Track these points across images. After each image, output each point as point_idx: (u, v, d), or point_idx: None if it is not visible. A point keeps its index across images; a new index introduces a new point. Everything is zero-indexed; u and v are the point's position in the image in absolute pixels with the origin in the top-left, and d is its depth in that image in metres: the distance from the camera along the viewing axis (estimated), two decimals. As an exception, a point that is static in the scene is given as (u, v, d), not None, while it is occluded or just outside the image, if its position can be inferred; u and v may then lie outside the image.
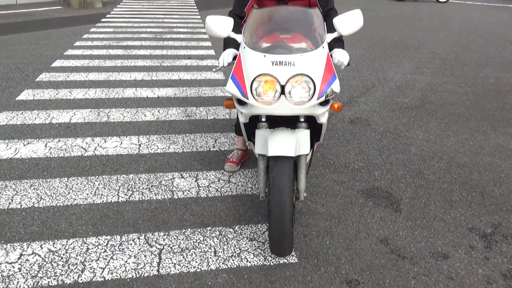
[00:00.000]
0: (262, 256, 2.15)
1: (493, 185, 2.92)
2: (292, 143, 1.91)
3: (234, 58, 2.32)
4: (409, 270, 2.09)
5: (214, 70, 2.23)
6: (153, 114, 3.94)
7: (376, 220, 2.48)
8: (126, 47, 6.59)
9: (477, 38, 8.33)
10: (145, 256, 2.12)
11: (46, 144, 3.28)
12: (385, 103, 4.48)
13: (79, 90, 4.53)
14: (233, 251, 2.17)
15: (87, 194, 2.63)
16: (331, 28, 2.18)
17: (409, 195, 2.76)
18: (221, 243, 2.23)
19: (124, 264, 2.05)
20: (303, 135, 1.99)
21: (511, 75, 5.71)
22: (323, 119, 2.05)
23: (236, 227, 2.37)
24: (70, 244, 2.18)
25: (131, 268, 2.03)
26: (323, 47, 1.99)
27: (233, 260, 2.11)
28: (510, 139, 3.68)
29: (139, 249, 2.16)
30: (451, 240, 2.33)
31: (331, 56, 2.20)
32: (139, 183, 2.78)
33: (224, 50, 2.44)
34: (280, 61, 1.87)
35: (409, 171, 3.07)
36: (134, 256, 2.11)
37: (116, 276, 1.98)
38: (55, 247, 2.15)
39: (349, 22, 2.05)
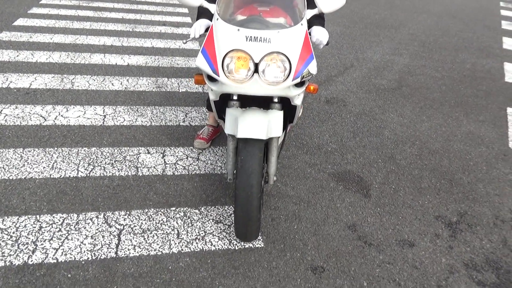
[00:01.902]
0: (227, 239, 2.08)
1: (462, 172, 2.93)
2: (263, 125, 1.81)
3: (207, 29, 2.17)
4: (374, 257, 2.07)
5: (184, 41, 2.07)
6: (121, 83, 3.73)
7: (346, 205, 2.45)
8: (97, 8, 6.20)
9: (456, 22, 8.33)
10: (103, 236, 2.00)
11: (1, 110, 3.05)
12: (363, 84, 4.42)
13: (42, 53, 4.22)
14: (197, 234, 2.09)
15: (44, 167, 2.46)
16: (311, 4, 2.04)
17: (379, 180, 2.74)
18: (185, 224, 2.14)
19: (80, 245, 1.94)
20: (276, 116, 1.89)
21: (487, 62, 5.74)
22: (297, 101, 1.95)
23: (202, 208, 2.28)
24: (22, 222, 2.03)
25: (87, 250, 1.92)
26: (301, 24, 1.86)
27: (196, 243, 2.03)
28: (481, 126, 3.71)
29: (97, 229, 2.04)
30: (417, 227, 2.33)
31: (309, 34, 2.07)
32: (101, 157, 2.63)
33: (197, 19, 2.27)
34: (255, 37, 1.74)
35: (381, 155, 3.05)
36: (91, 236, 2.00)
37: (70, 257, 1.86)
38: (4, 225, 2.00)
39: None
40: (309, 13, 1.99)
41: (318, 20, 2.18)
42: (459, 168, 2.98)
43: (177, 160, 2.69)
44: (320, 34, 2.08)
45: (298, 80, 1.79)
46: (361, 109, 3.80)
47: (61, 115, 3.07)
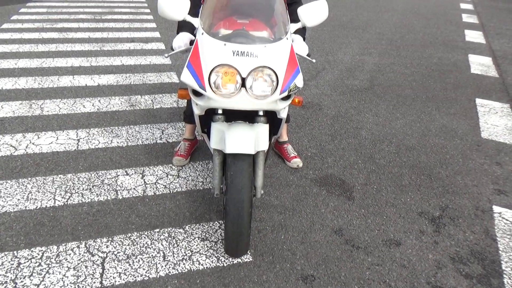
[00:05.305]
0: (215, 257, 2.04)
1: (440, 166, 2.99)
2: (251, 139, 1.79)
3: (189, 43, 2.15)
4: (363, 260, 2.08)
5: (166, 55, 2.03)
6: (93, 105, 3.64)
7: (330, 209, 2.45)
8: (62, 29, 6.07)
9: (420, 18, 8.58)
10: (86, 267, 1.93)
11: (-32, 143, 2.92)
12: (336, 86, 4.47)
13: (8, 80, 4.09)
14: (184, 254, 2.05)
15: (18, 199, 2.37)
16: (293, 16, 2.07)
17: (361, 181, 2.76)
18: (170, 246, 2.10)
19: (62, 278, 1.86)
20: (262, 130, 1.88)
21: (452, 55, 5.93)
22: (283, 114, 1.96)
23: (187, 227, 2.24)
24: (-2, 260, 1.94)
25: (70, 282, 1.84)
26: (287, 38, 1.87)
27: (184, 264, 1.99)
28: (453, 119, 3.81)
29: (79, 260, 1.97)
30: (402, 226, 2.35)
31: None
32: (78, 183, 2.55)
33: (177, 33, 2.24)
34: (242, 52, 1.74)
35: (361, 156, 3.08)
36: (74, 267, 1.92)
37: (53, 292, 1.79)
38: (-21, 265, 1.91)
39: (314, 13, 1.96)
40: (293, 27, 2.00)
41: (299, 30, 2.19)
42: (437, 162, 3.05)
43: (157, 180, 2.64)
44: (299, 46, 2.11)
45: (286, 93, 1.79)
46: (337, 111, 3.84)
47: (33, 143, 2.97)
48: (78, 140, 3.05)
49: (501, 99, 4.35)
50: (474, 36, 7.15)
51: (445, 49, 6.26)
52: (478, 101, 4.26)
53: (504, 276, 2.03)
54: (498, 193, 2.71)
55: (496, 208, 2.55)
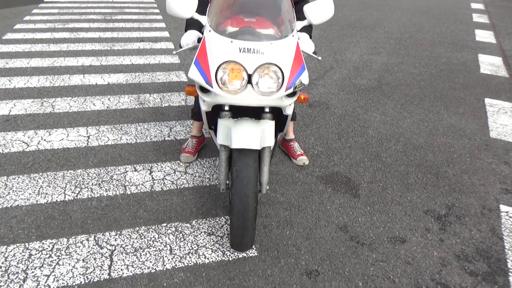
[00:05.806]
0: (221, 251, 2.07)
1: (447, 165, 2.99)
2: (257, 135, 1.82)
3: (197, 40, 2.19)
4: (368, 257, 2.09)
5: (174, 52, 2.08)
6: (103, 103, 3.71)
7: (336, 207, 2.47)
8: (73, 29, 6.17)
9: (429, 18, 8.52)
10: (94, 259, 1.98)
11: (-18, 139, 3.00)
12: (343, 85, 4.48)
13: (20, 78, 4.18)
14: (190, 248, 2.08)
15: (30, 193, 2.43)
16: (299, 15, 2.10)
17: (367, 179, 2.77)
18: (177, 240, 2.13)
19: (72, 269, 1.91)
20: (268, 126, 1.91)
21: (462, 55, 5.88)
22: (289, 111, 1.98)
23: (193, 222, 2.27)
24: (10, 251, 1.99)
25: (79, 274, 1.89)
26: (293, 36, 1.90)
27: (190, 257, 2.02)
28: (461, 119, 3.79)
29: (88, 252, 2.02)
30: (408, 223, 2.36)
31: None
32: (88, 179, 2.60)
33: (185, 31, 2.28)
34: (248, 48, 1.76)
35: (367, 154, 3.08)
36: (83, 260, 1.97)
37: (63, 283, 1.83)
38: (-8, 256, 1.97)
39: (319, 10, 1.99)
40: (299, 25, 2.03)
41: (306, 28, 2.22)
42: (444, 161, 3.04)
43: (165, 176, 2.68)
44: (305, 44, 2.13)
45: (291, 90, 1.82)
46: (344, 110, 3.85)
47: (44, 140, 3.03)
48: (88, 137, 3.11)
49: (511, 99, 4.32)
50: (484, 36, 7.09)
51: (455, 48, 6.22)
52: (487, 100, 4.24)
53: (510, 274, 2.03)
54: (505, 192, 2.70)
55: (503, 207, 2.54)
